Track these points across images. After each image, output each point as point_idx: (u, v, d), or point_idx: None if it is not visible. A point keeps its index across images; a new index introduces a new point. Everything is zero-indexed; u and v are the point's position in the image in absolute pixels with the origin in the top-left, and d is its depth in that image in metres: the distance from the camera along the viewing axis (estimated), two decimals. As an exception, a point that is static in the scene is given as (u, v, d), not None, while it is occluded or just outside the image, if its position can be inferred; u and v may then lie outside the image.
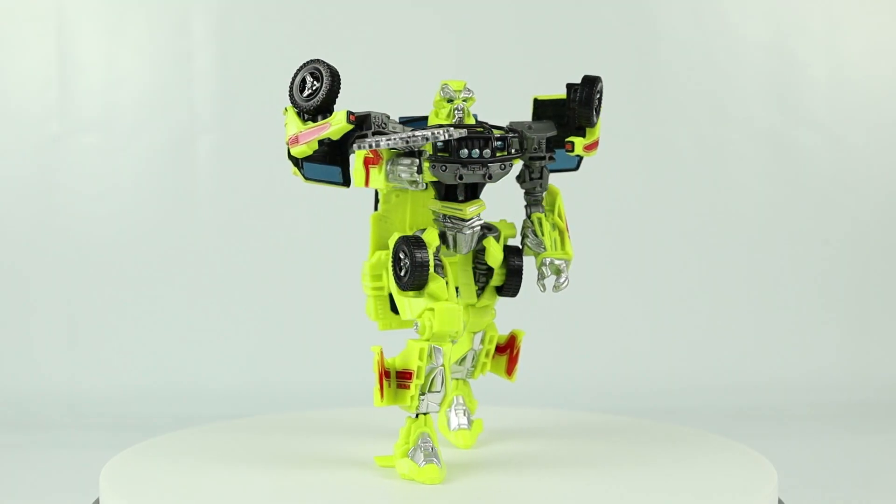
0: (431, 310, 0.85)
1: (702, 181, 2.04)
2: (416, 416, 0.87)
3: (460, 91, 0.88)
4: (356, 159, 0.87)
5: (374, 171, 0.86)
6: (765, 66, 2.06)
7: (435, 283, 0.86)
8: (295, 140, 0.87)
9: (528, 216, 0.93)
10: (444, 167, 0.85)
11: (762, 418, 1.82)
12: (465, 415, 0.98)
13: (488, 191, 0.90)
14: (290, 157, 0.89)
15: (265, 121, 1.98)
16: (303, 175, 0.89)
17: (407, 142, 0.83)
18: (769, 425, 1.78)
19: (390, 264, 0.88)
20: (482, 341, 0.96)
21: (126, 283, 1.97)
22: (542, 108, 0.95)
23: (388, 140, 0.83)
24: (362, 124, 0.86)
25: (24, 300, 1.97)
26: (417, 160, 0.85)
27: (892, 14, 2.09)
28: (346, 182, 0.90)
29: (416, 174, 0.85)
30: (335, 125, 0.86)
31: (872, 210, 2.06)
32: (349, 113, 0.85)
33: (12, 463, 1.59)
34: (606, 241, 2.00)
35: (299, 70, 0.90)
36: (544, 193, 0.93)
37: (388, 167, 0.85)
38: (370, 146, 0.84)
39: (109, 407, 1.84)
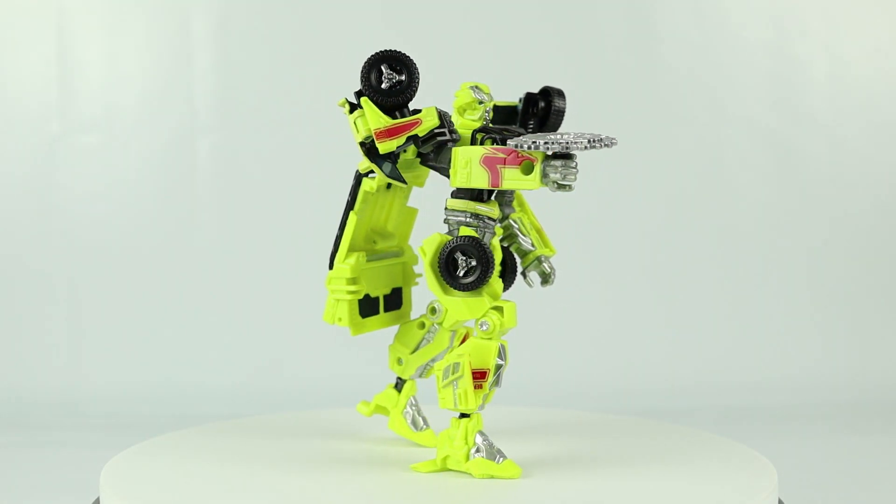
0: (498, 308, 0.86)
1: (701, 181, 2.04)
2: (466, 415, 0.87)
3: (489, 93, 0.89)
4: (469, 157, 0.84)
5: (510, 171, 0.83)
6: (765, 66, 2.06)
7: (497, 283, 0.87)
8: (384, 134, 0.85)
9: (507, 217, 0.93)
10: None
11: (762, 418, 1.82)
12: (421, 414, 0.98)
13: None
14: (369, 152, 0.86)
15: (265, 121, 1.99)
16: (384, 172, 0.87)
17: (567, 145, 0.81)
18: (769, 425, 1.78)
19: (432, 267, 0.86)
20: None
21: (126, 283, 1.97)
22: (497, 114, 0.94)
23: (556, 143, 0.81)
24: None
25: (24, 300, 1.97)
26: (576, 163, 0.83)
27: (892, 14, 2.09)
28: (403, 180, 0.88)
29: (573, 176, 0.83)
30: (427, 122, 0.86)
31: (872, 210, 2.06)
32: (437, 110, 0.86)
33: (12, 463, 1.59)
34: (606, 241, 2.00)
35: (371, 61, 0.87)
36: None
37: (545, 168, 0.83)
38: (528, 146, 0.82)
39: (109, 407, 1.84)
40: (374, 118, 0.85)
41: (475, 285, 0.85)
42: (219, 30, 2.00)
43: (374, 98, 0.86)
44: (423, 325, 0.95)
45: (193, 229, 1.98)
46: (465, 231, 0.87)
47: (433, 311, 0.94)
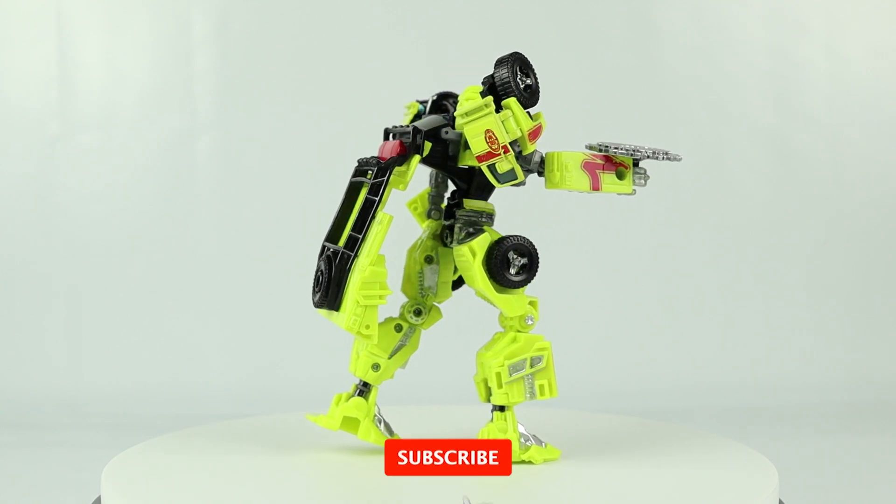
0: (532, 303, 0.91)
1: (702, 181, 2.04)
2: (502, 408, 0.91)
3: None
4: (572, 161, 0.87)
5: (606, 175, 0.89)
6: (765, 65, 2.06)
7: None
8: (532, 135, 0.86)
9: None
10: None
11: (762, 418, 1.82)
12: (386, 420, 0.96)
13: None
14: (515, 154, 0.86)
15: (264, 120, 1.99)
16: (516, 178, 0.87)
17: (637, 153, 0.89)
18: (769, 425, 1.78)
19: (484, 266, 0.88)
20: None
21: (126, 284, 1.97)
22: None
23: (624, 149, 0.88)
24: None
25: (24, 301, 1.97)
26: (644, 170, 0.91)
27: (892, 14, 2.09)
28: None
29: (643, 182, 0.91)
30: (544, 126, 0.87)
31: (872, 210, 2.06)
32: None
33: (12, 463, 1.59)
34: (606, 242, 2.00)
35: (505, 63, 0.87)
36: None
37: (635, 176, 0.90)
38: (602, 150, 0.87)
39: (110, 407, 1.84)
40: (525, 120, 0.86)
41: (527, 282, 0.90)
42: (219, 30, 2.00)
43: (521, 100, 0.86)
44: (399, 328, 0.94)
45: (193, 229, 1.98)
46: (489, 230, 0.90)
47: (418, 312, 0.93)
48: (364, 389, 0.94)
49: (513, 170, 0.86)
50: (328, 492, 0.85)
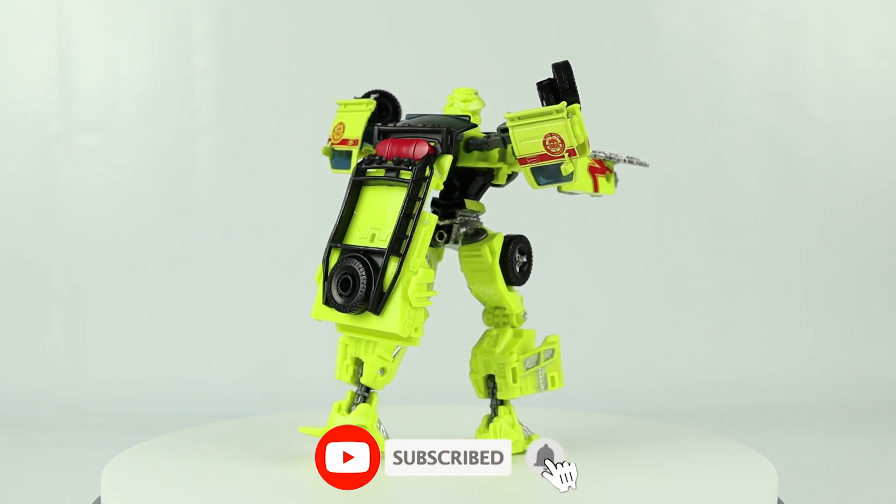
0: (521, 299, 0.95)
1: (702, 181, 2.04)
2: (503, 402, 0.95)
3: None
4: (581, 166, 0.90)
5: (601, 178, 0.94)
6: (765, 65, 2.06)
7: None
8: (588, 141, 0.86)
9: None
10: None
11: (762, 418, 1.82)
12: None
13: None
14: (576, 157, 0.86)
15: (264, 120, 1.99)
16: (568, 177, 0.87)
17: (631, 160, 0.97)
18: (769, 425, 1.78)
19: (500, 265, 0.91)
20: None
21: (126, 284, 1.97)
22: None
23: (603, 153, 0.93)
24: None
25: (24, 300, 1.97)
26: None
27: (892, 14, 2.09)
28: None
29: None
30: None
31: (872, 210, 2.06)
32: None
33: (12, 463, 1.59)
34: (605, 241, 2.00)
35: (565, 68, 0.86)
36: None
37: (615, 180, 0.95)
38: (611, 158, 0.92)
39: (110, 407, 1.84)
40: (584, 126, 0.85)
41: (524, 279, 0.94)
42: (219, 30, 2.00)
43: (579, 105, 0.86)
44: None
45: (193, 229, 1.98)
46: (489, 230, 0.92)
47: None
48: (366, 395, 0.93)
49: (572, 172, 0.85)
50: (328, 491, 0.85)
